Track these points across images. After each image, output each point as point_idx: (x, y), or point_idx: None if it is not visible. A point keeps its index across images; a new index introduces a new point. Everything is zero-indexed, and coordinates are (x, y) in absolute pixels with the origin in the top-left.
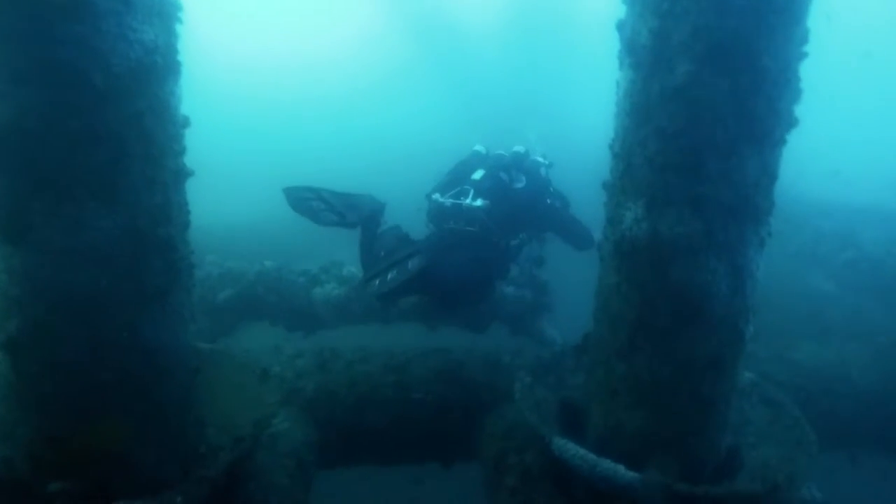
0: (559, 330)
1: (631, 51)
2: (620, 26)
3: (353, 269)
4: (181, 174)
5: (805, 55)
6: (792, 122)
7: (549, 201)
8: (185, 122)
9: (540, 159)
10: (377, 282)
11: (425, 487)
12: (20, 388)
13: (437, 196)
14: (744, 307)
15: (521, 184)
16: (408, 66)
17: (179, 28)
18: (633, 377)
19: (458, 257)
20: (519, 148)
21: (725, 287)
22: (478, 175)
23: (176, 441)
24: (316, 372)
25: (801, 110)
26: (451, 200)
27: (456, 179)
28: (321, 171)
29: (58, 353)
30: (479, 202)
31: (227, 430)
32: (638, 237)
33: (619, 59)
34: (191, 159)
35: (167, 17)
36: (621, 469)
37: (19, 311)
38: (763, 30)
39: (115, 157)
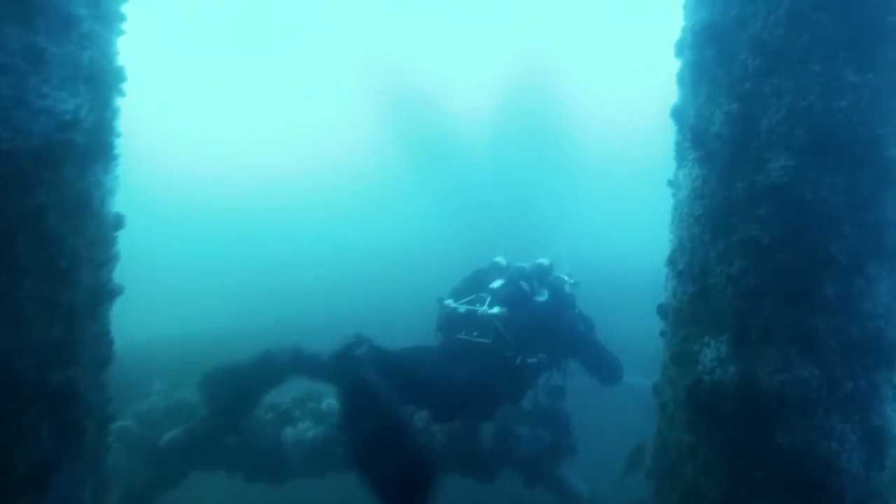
0: (584, 478)
1: (698, 141)
2: (677, 112)
3: (334, 401)
4: (103, 293)
5: None
6: None
7: (572, 323)
8: (118, 223)
9: (565, 277)
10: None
11: None
12: None
13: (449, 301)
14: (881, 486)
15: (543, 297)
16: (395, 177)
17: (119, 102)
18: None
19: (464, 366)
20: (543, 260)
21: (857, 458)
22: (496, 284)
23: None
24: None
25: None
26: (465, 307)
27: (472, 287)
28: (300, 279)
29: None
30: (496, 309)
31: None
32: (723, 383)
33: (676, 153)
34: (139, 264)
35: (100, 85)
36: None
37: None
38: (886, 111)
39: None
